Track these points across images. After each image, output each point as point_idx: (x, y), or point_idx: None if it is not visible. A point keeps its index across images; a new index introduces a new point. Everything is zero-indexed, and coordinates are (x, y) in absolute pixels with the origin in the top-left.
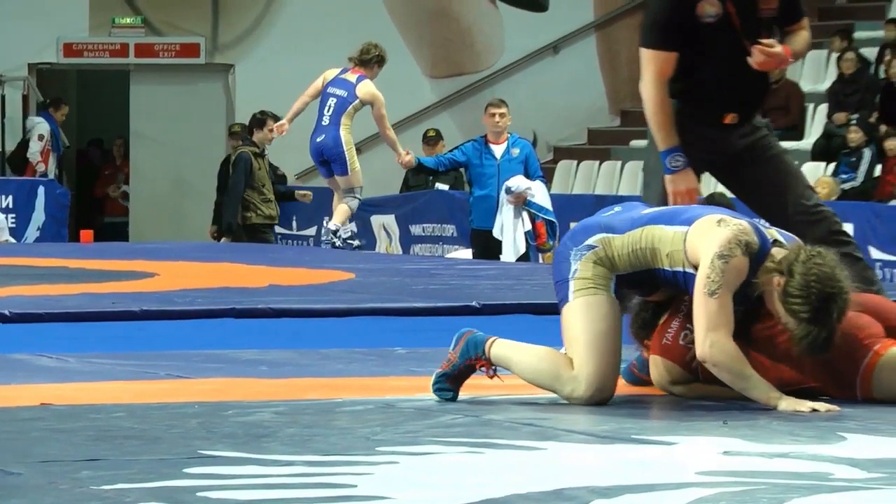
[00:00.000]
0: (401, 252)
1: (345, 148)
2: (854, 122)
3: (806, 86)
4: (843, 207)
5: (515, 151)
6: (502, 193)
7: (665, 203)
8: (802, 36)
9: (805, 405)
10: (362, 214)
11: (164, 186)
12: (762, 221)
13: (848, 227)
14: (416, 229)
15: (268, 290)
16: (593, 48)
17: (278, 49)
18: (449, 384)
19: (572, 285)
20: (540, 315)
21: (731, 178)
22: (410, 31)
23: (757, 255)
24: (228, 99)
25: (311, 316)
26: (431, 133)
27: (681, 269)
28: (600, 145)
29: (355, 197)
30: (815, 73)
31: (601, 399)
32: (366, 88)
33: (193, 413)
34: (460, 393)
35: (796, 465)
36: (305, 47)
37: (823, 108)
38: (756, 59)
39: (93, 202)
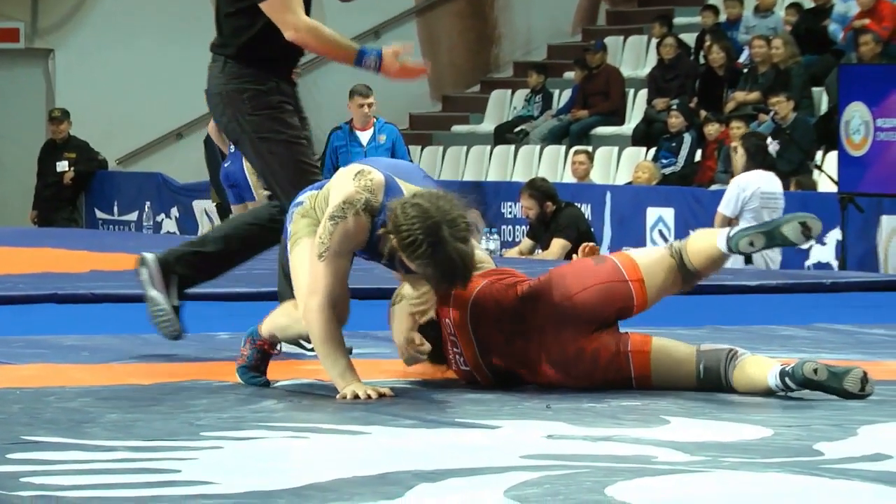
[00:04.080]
0: None
1: (247, 174)
2: (674, 107)
3: (626, 71)
4: (664, 192)
5: (382, 138)
6: None
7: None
8: None
9: (364, 392)
10: (184, 200)
11: None
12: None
13: (668, 212)
14: None
15: (89, 276)
16: (414, 33)
17: (98, 34)
18: (254, 373)
19: (289, 245)
20: (364, 300)
21: None
22: None
23: (381, 213)
24: (48, 84)
25: (133, 301)
26: None
27: None
28: (422, 130)
29: None
30: (636, 58)
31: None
32: None
33: (15, 399)
34: (284, 379)
35: (620, 449)
36: (125, 33)
37: (644, 94)
38: None
39: None
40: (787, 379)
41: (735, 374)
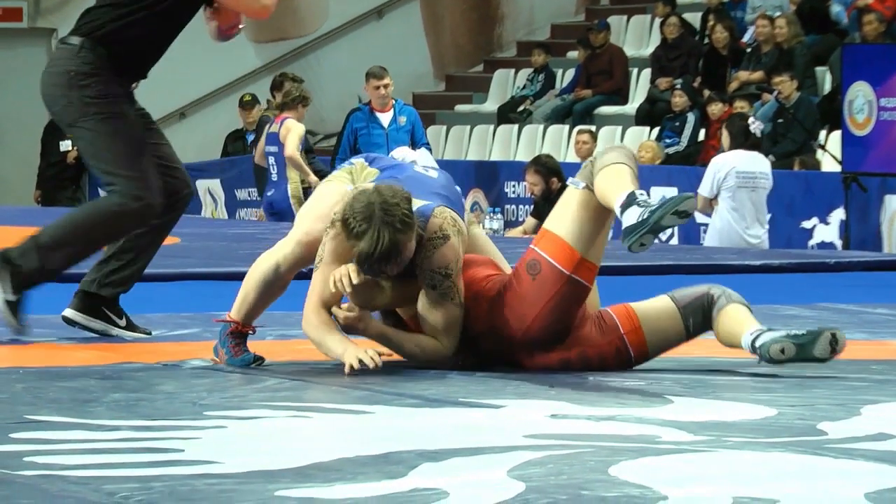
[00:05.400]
0: (226, 216)
1: (291, 202)
2: (678, 86)
3: (629, 50)
4: (667, 172)
5: (402, 120)
6: None
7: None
8: None
9: (366, 355)
10: None
11: None
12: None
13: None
14: (241, 194)
15: (93, 255)
16: (417, 13)
17: None
18: (239, 356)
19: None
20: None
21: None
22: None
23: None
24: None
25: (136, 280)
26: (247, 98)
27: None
28: (425, 110)
29: None
30: (639, 38)
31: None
32: (283, 131)
33: (18, 378)
34: (285, 358)
35: (623, 429)
36: None
37: (647, 73)
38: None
39: None
40: (757, 354)
41: (716, 325)
